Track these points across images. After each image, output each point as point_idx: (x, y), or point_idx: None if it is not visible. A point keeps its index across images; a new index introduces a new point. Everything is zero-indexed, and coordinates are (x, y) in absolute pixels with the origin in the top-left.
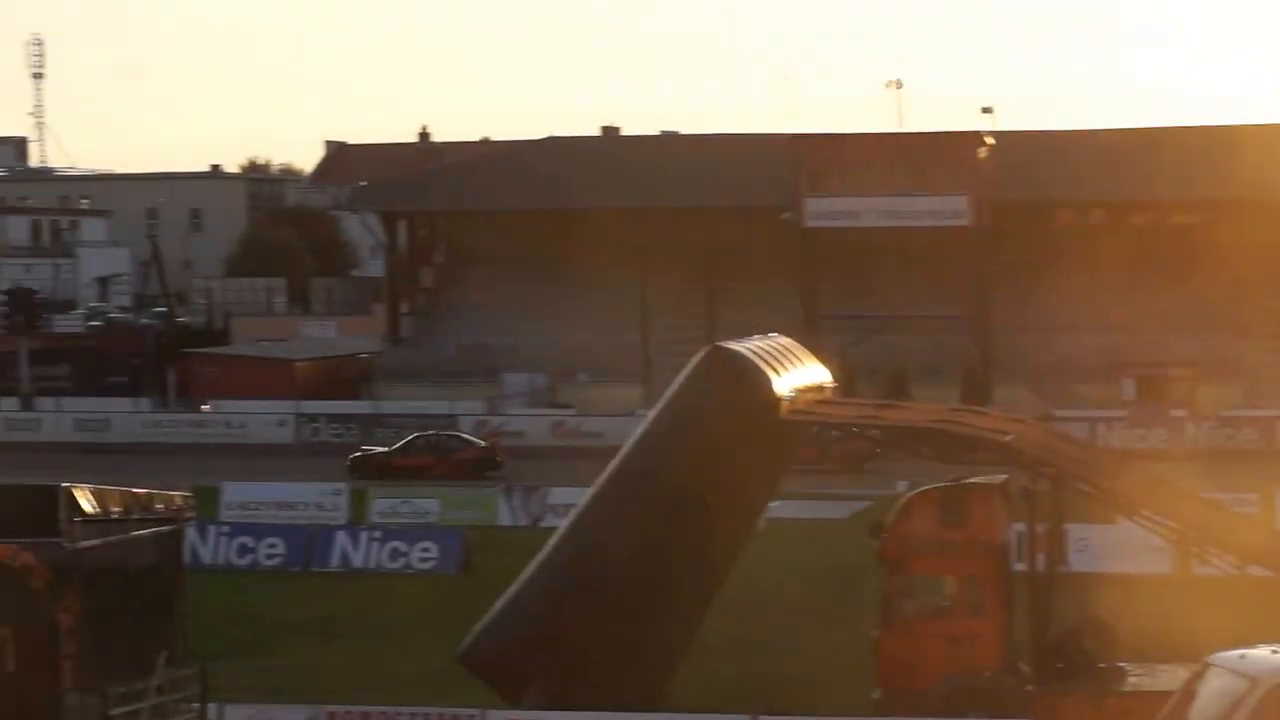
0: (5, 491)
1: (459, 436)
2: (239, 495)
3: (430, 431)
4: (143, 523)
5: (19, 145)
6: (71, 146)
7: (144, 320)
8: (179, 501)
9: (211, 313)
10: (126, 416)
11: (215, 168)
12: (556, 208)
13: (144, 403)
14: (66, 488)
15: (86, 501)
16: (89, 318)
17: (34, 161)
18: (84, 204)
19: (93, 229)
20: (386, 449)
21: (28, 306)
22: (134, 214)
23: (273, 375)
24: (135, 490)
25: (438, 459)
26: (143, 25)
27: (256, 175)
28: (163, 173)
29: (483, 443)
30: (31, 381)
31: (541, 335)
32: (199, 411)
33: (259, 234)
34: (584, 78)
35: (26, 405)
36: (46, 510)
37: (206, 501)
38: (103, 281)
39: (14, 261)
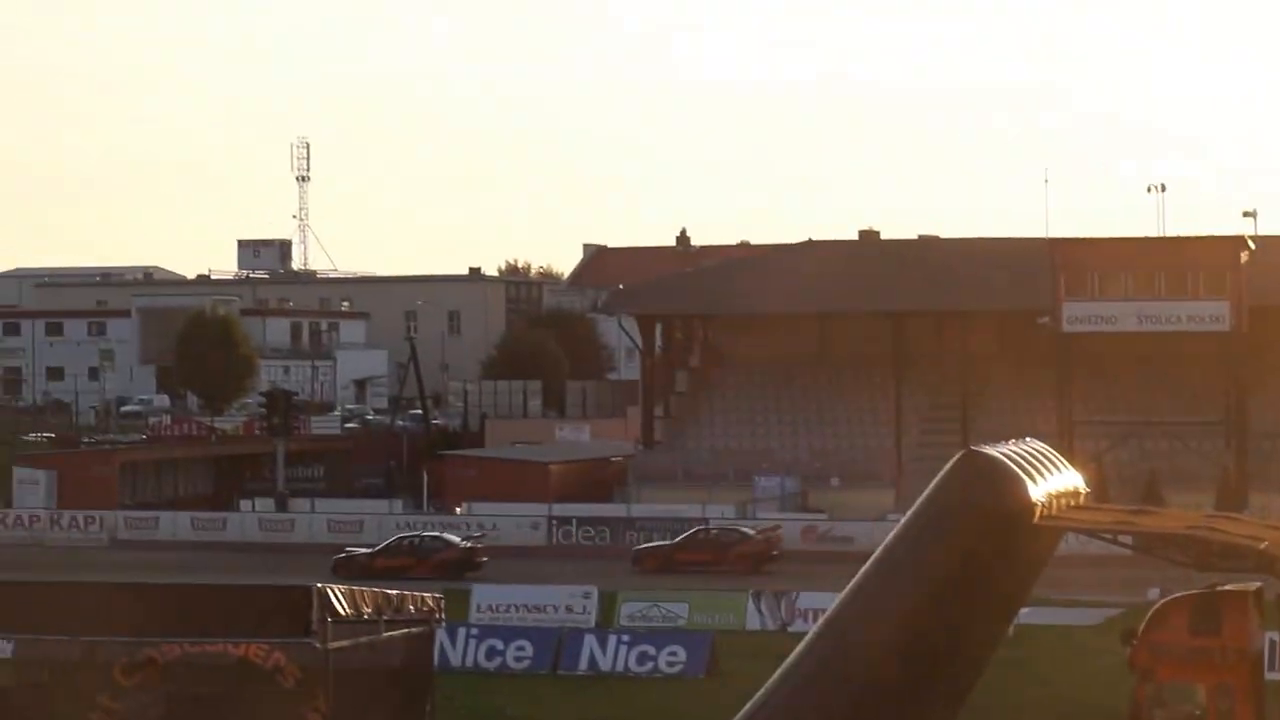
0: (259, 592)
1: (439, 537)
2: (489, 597)
3: (411, 534)
4: (394, 624)
5: (282, 248)
6: (333, 249)
7: (399, 422)
8: (430, 603)
9: (467, 415)
10: (380, 518)
11: (474, 271)
12: (812, 311)
13: (398, 504)
14: (320, 588)
15: (339, 602)
16: (345, 420)
17: (296, 264)
18: (344, 306)
19: (352, 331)
20: (369, 550)
21: (285, 408)
22: (393, 316)
23: (526, 478)
24: (387, 591)
25: (418, 560)
26: (404, 130)
27: (515, 278)
28: (422, 275)
29: (465, 544)
30: (287, 483)
31: (794, 438)
32: (452, 513)
33: (516, 336)
34: (843, 182)
35: (281, 506)
36: (299, 611)
37: (457, 603)
38: (360, 384)
39: (274, 363)
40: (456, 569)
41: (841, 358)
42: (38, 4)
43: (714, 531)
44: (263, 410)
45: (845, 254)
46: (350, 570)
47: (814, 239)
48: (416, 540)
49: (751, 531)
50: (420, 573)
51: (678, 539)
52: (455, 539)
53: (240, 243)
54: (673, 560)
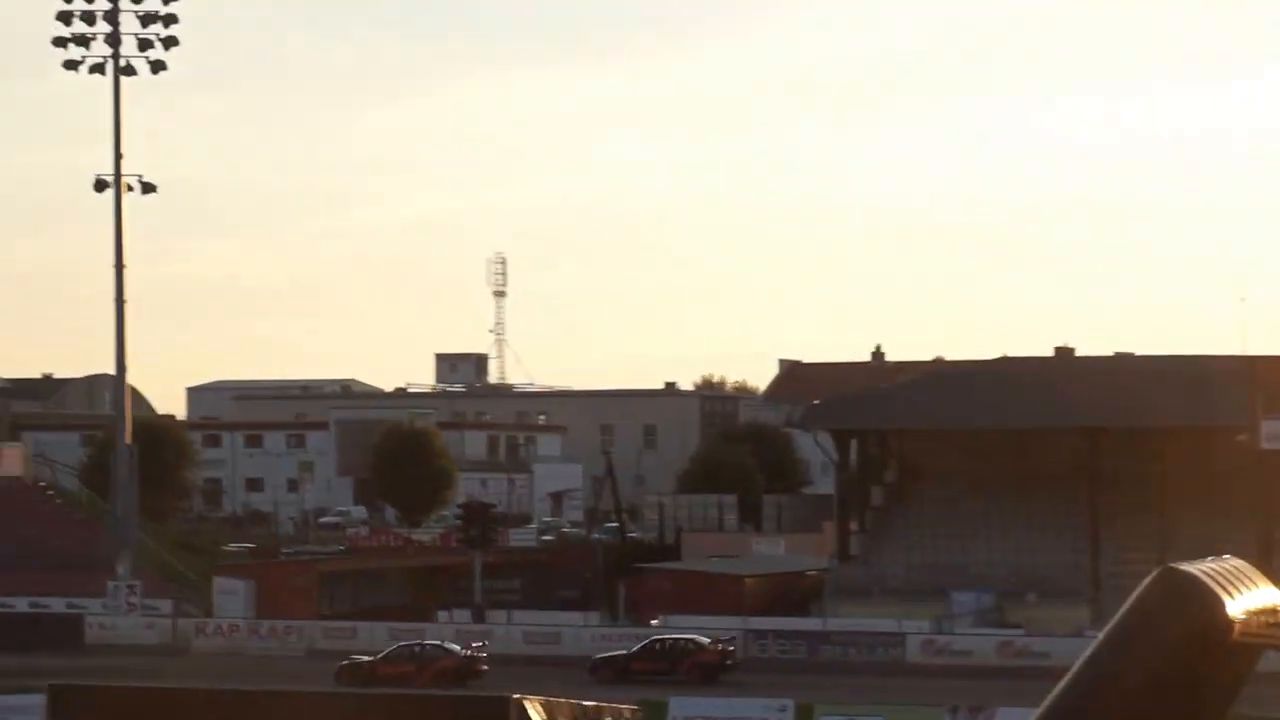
0: (458, 703)
1: (440, 645)
2: (685, 709)
3: (413, 641)
4: None
5: (479, 362)
6: (530, 363)
7: (595, 535)
8: (627, 715)
9: (663, 528)
10: (576, 630)
11: (670, 385)
12: (1007, 427)
13: (593, 617)
14: (517, 699)
15: (537, 713)
16: (542, 532)
17: (493, 378)
18: (540, 419)
19: (548, 444)
20: (371, 657)
21: (482, 520)
22: (589, 430)
23: (722, 591)
24: (584, 703)
25: (419, 667)
26: (600, 245)
27: (710, 393)
28: (618, 390)
29: (465, 652)
30: (484, 594)
31: (990, 554)
32: (648, 626)
33: (712, 450)
34: (1037, 298)
35: (479, 617)
36: None
37: (654, 716)
38: (556, 496)
39: (471, 475)
40: (457, 677)
41: (1037, 474)
42: (233, 122)
43: (668, 642)
44: (460, 522)
45: (1040, 371)
46: (354, 677)
47: (1008, 355)
48: (418, 648)
49: (706, 641)
50: (421, 680)
51: (633, 649)
52: (456, 648)
53: (438, 356)
54: (628, 670)
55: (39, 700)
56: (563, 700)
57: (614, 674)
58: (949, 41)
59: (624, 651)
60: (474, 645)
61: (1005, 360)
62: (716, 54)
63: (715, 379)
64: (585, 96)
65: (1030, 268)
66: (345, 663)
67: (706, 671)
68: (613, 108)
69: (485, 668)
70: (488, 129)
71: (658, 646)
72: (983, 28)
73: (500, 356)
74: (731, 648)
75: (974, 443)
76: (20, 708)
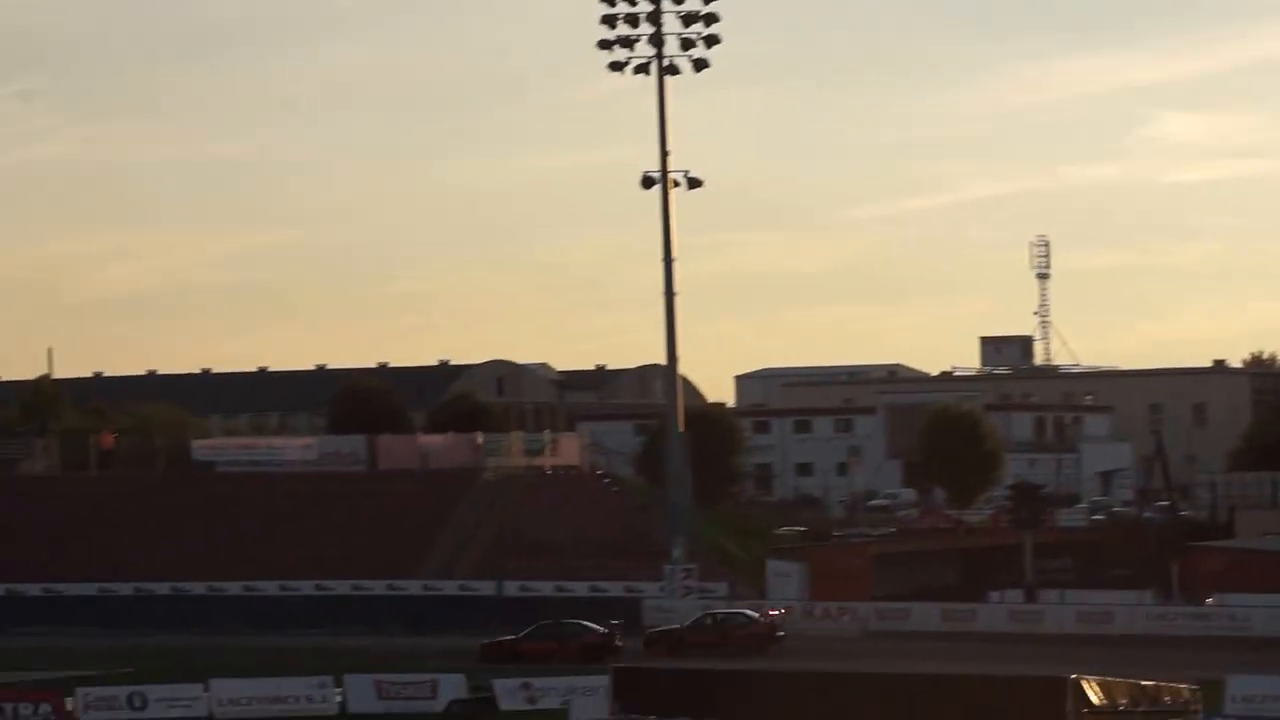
0: (1013, 683)
1: (578, 623)
2: (1245, 688)
3: (551, 619)
4: (1149, 715)
5: (1024, 344)
6: (1075, 344)
7: (1146, 514)
8: (1186, 695)
9: (1215, 506)
10: (1129, 609)
11: (1218, 363)
12: None
13: (1146, 595)
14: (1074, 679)
15: (1093, 693)
16: (1091, 512)
17: (1038, 359)
18: (1087, 400)
19: (1095, 424)
20: (514, 636)
21: (1032, 501)
22: (1136, 409)
23: (1277, 568)
24: (1142, 682)
25: (559, 644)
26: (1143, 224)
27: (1261, 370)
28: (1165, 369)
29: (601, 629)
30: (1036, 574)
31: None
32: (1202, 605)
33: (1264, 428)
34: None
35: (1030, 597)
36: (1054, 701)
37: (1210, 695)
38: (1105, 476)
39: (1018, 456)
40: (598, 653)
41: None
42: (776, 115)
43: (720, 615)
44: (1008, 503)
45: None
46: (498, 654)
47: None
48: (556, 625)
49: (755, 615)
50: (562, 656)
51: (687, 624)
52: (595, 625)
53: (982, 340)
54: (683, 643)
55: (603, 681)
56: (1120, 680)
57: (668, 647)
58: None
59: (677, 626)
60: (612, 623)
61: None
62: (1259, 29)
63: (1265, 355)
64: (1126, 78)
65: None
66: (488, 641)
67: (758, 643)
68: (1154, 89)
69: (621, 644)
70: (1030, 113)
71: (709, 620)
72: None
73: (1045, 338)
74: (782, 619)
75: None
76: (587, 688)
